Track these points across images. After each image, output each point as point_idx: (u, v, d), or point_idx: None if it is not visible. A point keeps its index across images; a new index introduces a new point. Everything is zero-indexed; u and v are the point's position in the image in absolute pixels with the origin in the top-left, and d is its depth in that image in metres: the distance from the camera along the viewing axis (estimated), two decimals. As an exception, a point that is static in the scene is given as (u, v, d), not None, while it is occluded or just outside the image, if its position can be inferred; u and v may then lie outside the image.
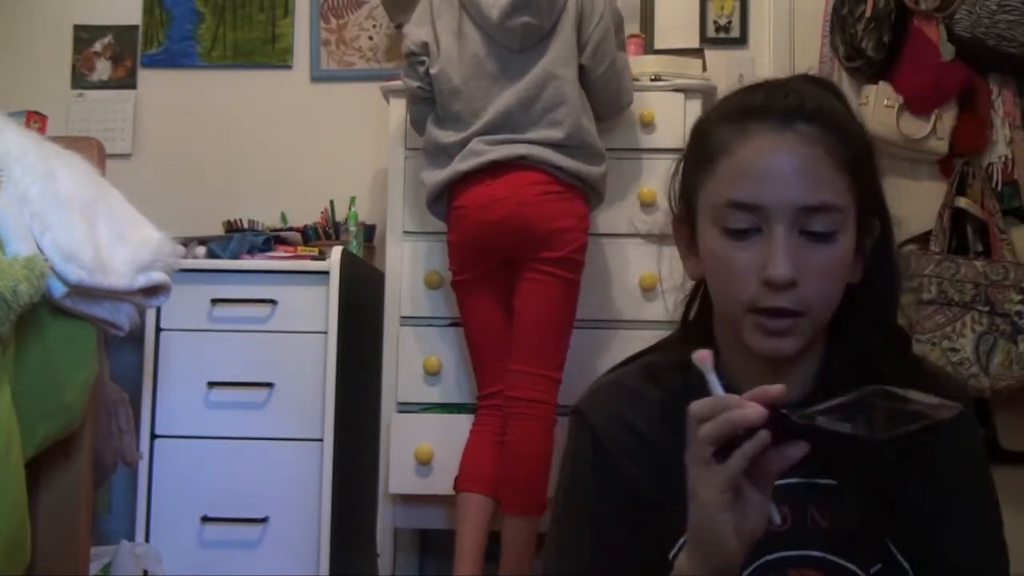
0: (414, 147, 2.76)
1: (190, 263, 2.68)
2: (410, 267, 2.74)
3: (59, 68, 3.44)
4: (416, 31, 2.52)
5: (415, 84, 2.51)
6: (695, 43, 3.19)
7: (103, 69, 3.44)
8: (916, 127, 2.90)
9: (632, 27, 3.12)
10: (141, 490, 2.65)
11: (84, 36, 3.46)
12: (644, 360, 1.12)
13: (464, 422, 2.53)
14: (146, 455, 2.64)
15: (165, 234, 1.39)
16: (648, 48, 3.13)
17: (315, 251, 2.86)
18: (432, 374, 2.68)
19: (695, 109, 2.76)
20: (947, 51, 2.85)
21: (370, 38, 3.37)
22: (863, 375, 0.98)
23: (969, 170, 2.87)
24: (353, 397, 2.77)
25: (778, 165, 0.96)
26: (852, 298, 1.01)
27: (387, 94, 2.86)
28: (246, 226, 3.04)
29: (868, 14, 2.91)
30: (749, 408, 0.84)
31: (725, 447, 0.84)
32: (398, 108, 2.79)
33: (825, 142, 0.96)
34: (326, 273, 2.68)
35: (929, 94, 2.89)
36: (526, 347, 2.39)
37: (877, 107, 2.91)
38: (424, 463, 2.61)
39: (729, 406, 0.85)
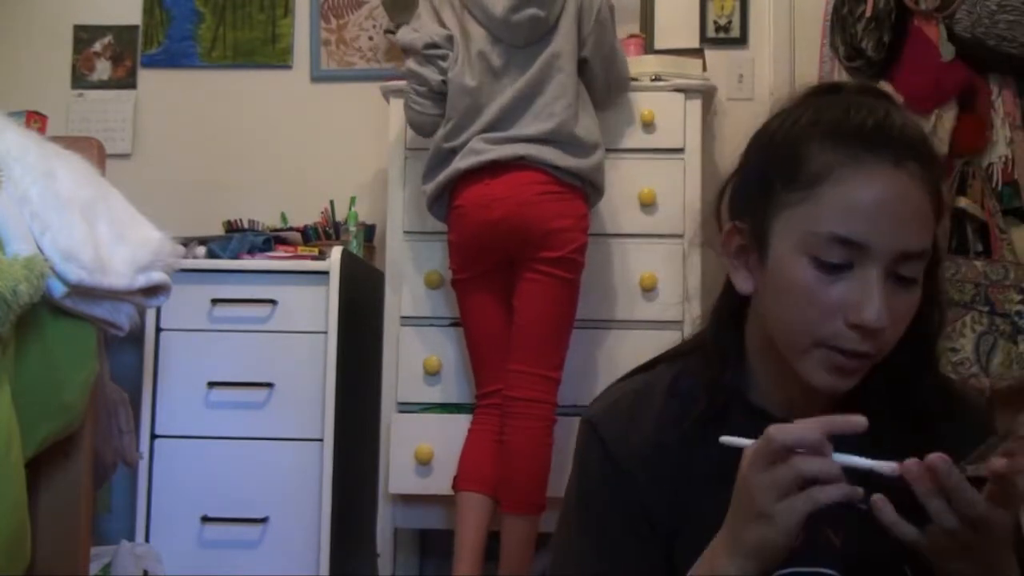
0: (414, 147, 2.76)
1: (190, 263, 2.68)
2: (410, 267, 2.74)
3: (59, 68, 3.44)
4: (430, 25, 2.50)
5: (438, 79, 2.47)
6: (695, 43, 3.19)
7: (103, 69, 3.44)
8: (916, 127, 2.90)
9: (632, 27, 3.13)
10: (141, 490, 2.65)
11: (84, 36, 3.46)
12: (663, 371, 1.08)
13: (464, 422, 2.53)
14: (146, 455, 2.64)
15: (165, 234, 1.39)
16: (648, 48, 3.13)
17: (315, 251, 2.86)
18: (432, 374, 2.68)
19: (695, 109, 2.76)
20: (947, 51, 2.85)
21: (370, 38, 3.37)
22: (896, 397, 0.99)
23: (969, 170, 2.87)
24: (353, 397, 2.77)
25: (892, 208, 0.91)
26: None
27: (387, 94, 2.86)
28: (246, 226, 3.04)
29: (868, 14, 2.91)
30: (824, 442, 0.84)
31: None
32: (398, 108, 2.79)
33: (930, 185, 0.94)
34: (326, 273, 2.68)
35: (929, 94, 2.88)
36: (525, 347, 2.39)
37: (877, 107, 2.91)
38: (424, 463, 2.61)
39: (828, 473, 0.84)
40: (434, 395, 2.69)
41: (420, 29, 2.51)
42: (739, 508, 0.87)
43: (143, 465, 2.63)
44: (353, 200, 3.09)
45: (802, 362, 0.95)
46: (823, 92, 1.02)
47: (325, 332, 2.66)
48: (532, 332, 2.40)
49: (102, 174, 1.42)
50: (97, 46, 3.45)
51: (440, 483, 2.56)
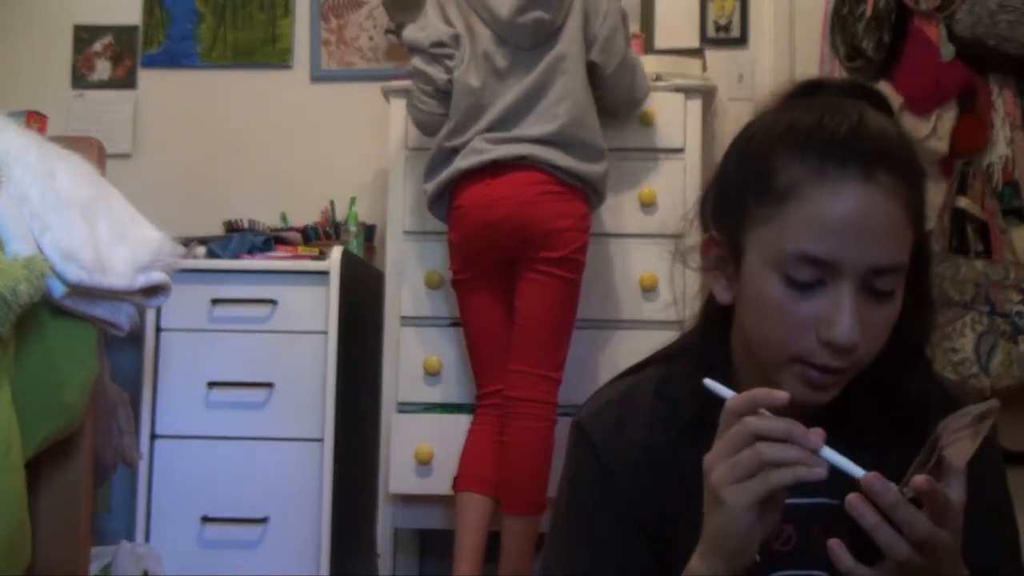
0: (414, 147, 2.76)
1: (190, 263, 2.67)
2: (410, 267, 2.74)
3: (59, 68, 3.44)
4: (437, 24, 2.49)
5: (444, 78, 2.46)
6: (695, 43, 3.20)
7: (103, 69, 3.44)
8: (916, 127, 2.90)
9: (632, 27, 3.12)
10: (141, 490, 2.65)
11: (84, 36, 3.46)
12: (652, 374, 1.08)
13: (464, 422, 2.53)
14: (146, 455, 2.64)
15: (165, 234, 1.38)
16: (648, 48, 3.13)
17: (315, 251, 2.86)
18: (432, 374, 2.68)
19: (695, 109, 2.76)
20: (947, 51, 2.85)
21: (370, 38, 3.37)
22: (884, 398, 0.98)
23: (969, 170, 2.87)
24: (353, 397, 2.77)
25: (862, 225, 0.88)
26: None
27: (387, 94, 2.86)
28: (246, 226, 3.04)
29: (868, 14, 2.91)
30: (813, 434, 0.82)
31: None
32: (398, 108, 2.79)
33: (904, 196, 0.91)
34: (326, 273, 2.68)
35: (929, 94, 2.88)
36: (526, 347, 2.39)
37: (877, 107, 2.91)
38: (424, 463, 2.61)
39: (794, 430, 0.83)
40: (434, 395, 2.69)
41: (426, 27, 2.50)
42: (705, 502, 0.87)
43: (143, 465, 2.63)
44: (353, 200, 3.09)
45: (779, 375, 0.94)
46: (804, 92, 1.00)
47: (325, 332, 2.66)
48: (533, 332, 2.40)
49: (102, 174, 1.41)
50: (97, 46, 3.45)
51: (440, 483, 2.56)
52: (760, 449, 0.82)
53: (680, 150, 2.73)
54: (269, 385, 2.68)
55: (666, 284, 2.64)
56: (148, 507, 2.65)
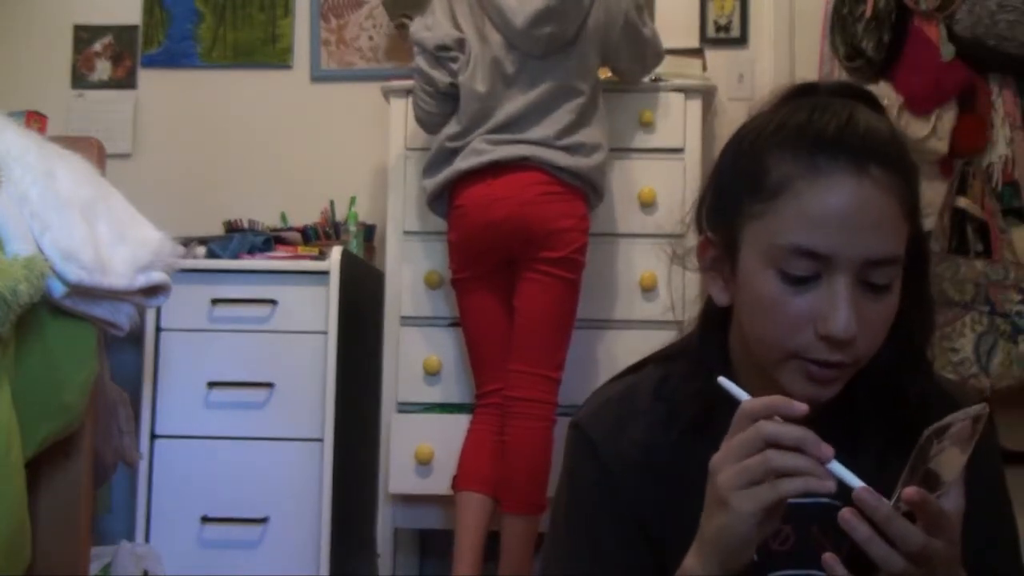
0: (414, 147, 2.76)
1: (190, 263, 2.67)
2: (410, 267, 2.74)
3: (59, 68, 3.44)
4: (444, 24, 2.48)
5: (447, 80, 2.46)
6: (695, 43, 3.19)
7: (103, 69, 3.44)
8: (916, 127, 2.90)
9: (632, 27, 3.12)
10: (141, 490, 2.65)
11: (84, 36, 3.46)
12: (651, 374, 1.07)
13: (464, 422, 2.53)
14: (146, 455, 2.64)
15: (165, 234, 1.39)
16: (648, 48, 3.13)
17: (315, 251, 2.86)
18: (432, 374, 2.68)
19: (695, 109, 2.76)
20: (947, 51, 2.85)
21: (370, 38, 3.36)
22: (885, 400, 0.98)
23: (969, 170, 2.87)
24: (353, 397, 2.77)
25: (854, 216, 0.89)
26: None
27: (387, 94, 2.86)
28: (246, 226, 3.03)
29: (868, 14, 2.91)
30: (825, 447, 0.82)
31: None
32: (398, 108, 2.79)
33: (897, 189, 0.91)
34: (326, 273, 2.68)
35: (929, 94, 2.88)
36: (526, 347, 2.39)
37: (877, 107, 2.91)
38: (424, 463, 2.61)
39: (808, 439, 0.82)
40: (434, 395, 2.69)
41: (433, 27, 2.49)
42: (707, 499, 0.87)
43: (143, 465, 2.63)
44: (353, 200, 3.09)
45: (779, 372, 0.94)
46: (797, 94, 1.00)
47: (325, 332, 2.66)
48: (533, 332, 2.40)
49: (102, 174, 1.42)
50: (97, 46, 3.45)
51: (440, 483, 2.56)
52: (771, 456, 0.82)
53: (680, 150, 2.73)
54: (269, 385, 2.68)
55: (665, 285, 2.64)
56: (148, 507, 2.65)
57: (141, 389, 2.66)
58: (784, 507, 0.84)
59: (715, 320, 1.04)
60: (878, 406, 0.98)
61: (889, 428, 0.97)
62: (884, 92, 2.94)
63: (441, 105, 2.49)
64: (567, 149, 2.38)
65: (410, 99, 2.73)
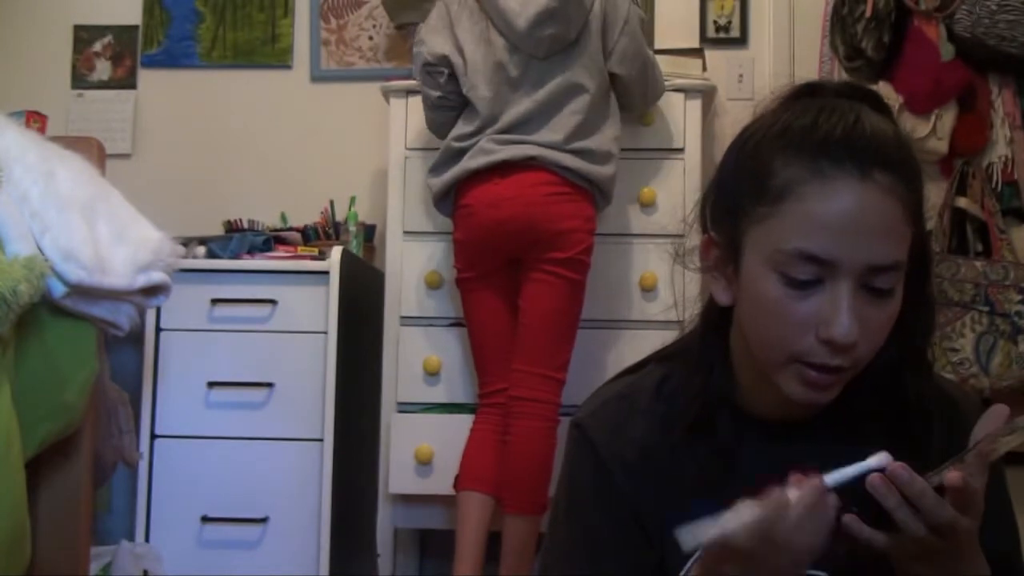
0: (414, 147, 2.76)
1: (190, 263, 2.67)
2: (410, 267, 2.74)
3: (59, 68, 3.44)
4: (433, 40, 2.50)
5: (435, 94, 2.51)
6: (695, 43, 3.19)
7: (103, 69, 3.44)
8: (916, 127, 2.90)
9: (632, 27, 3.13)
10: (141, 490, 2.65)
11: (84, 36, 3.46)
12: (651, 374, 1.08)
13: (464, 422, 2.53)
14: (146, 455, 2.64)
15: (165, 234, 1.39)
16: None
17: (315, 251, 2.86)
18: (432, 374, 2.68)
19: (695, 109, 2.76)
20: (947, 51, 2.85)
21: (370, 38, 3.36)
22: (885, 400, 0.99)
23: (969, 170, 2.87)
24: (353, 397, 2.77)
25: (858, 222, 0.89)
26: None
27: (387, 94, 2.86)
28: (246, 226, 3.04)
29: (868, 14, 2.91)
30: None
31: None
32: (398, 108, 2.80)
33: (901, 194, 0.91)
34: (326, 273, 2.68)
35: (929, 94, 2.88)
36: (530, 347, 2.39)
37: (877, 107, 2.91)
38: (424, 463, 2.61)
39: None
40: (434, 395, 2.69)
41: (423, 41, 2.53)
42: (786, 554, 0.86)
43: (143, 465, 2.63)
44: (353, 200, 3.09)
45: (778, 375, 0.94)
46: (802, 94, 1.00)
47: (325, 332, 2.66)
48: (538, 332, 2.40)
49: (102, 174, 1.42)
50: (97, 46, 3.45)
51: (440, 483, 2.56)
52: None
53: (680, 150, 2.73)
54: (269, 385, 2.68)
55: (666, 285, 2.64)
56: (148, 507, 2.65)
57: (141, 389, 2.66)
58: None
59: (715, 320, 1.04)
60: (878, 406, 0.99)
61: (889, 428, 0.97)
62: (884, 92, 2.94)
63: (437, 114, 2.54)
64: (576, 153, 2.38)
65: (410, 99, 2.77)
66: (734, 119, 3.13)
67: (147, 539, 2.63)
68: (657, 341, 1.13)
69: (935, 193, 2.92)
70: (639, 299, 2.68)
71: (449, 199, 2.49)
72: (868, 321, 0.91)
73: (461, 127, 2.46)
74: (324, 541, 2.60)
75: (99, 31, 3.45)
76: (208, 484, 2.65)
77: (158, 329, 2.70)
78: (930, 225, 2.88)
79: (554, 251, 2.37)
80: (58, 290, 1.22)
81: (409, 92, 2.75)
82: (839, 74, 3.04)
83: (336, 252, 2.70)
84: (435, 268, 2.70)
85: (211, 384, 2.68)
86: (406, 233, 2.76)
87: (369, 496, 2.82)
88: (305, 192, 3.24)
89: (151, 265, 1.33)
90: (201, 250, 2.81)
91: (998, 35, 2.78)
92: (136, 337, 2.67)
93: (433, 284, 2.71)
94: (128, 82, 3.43)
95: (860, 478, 0.84)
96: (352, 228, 3.01)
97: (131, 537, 2.62)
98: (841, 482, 0.84)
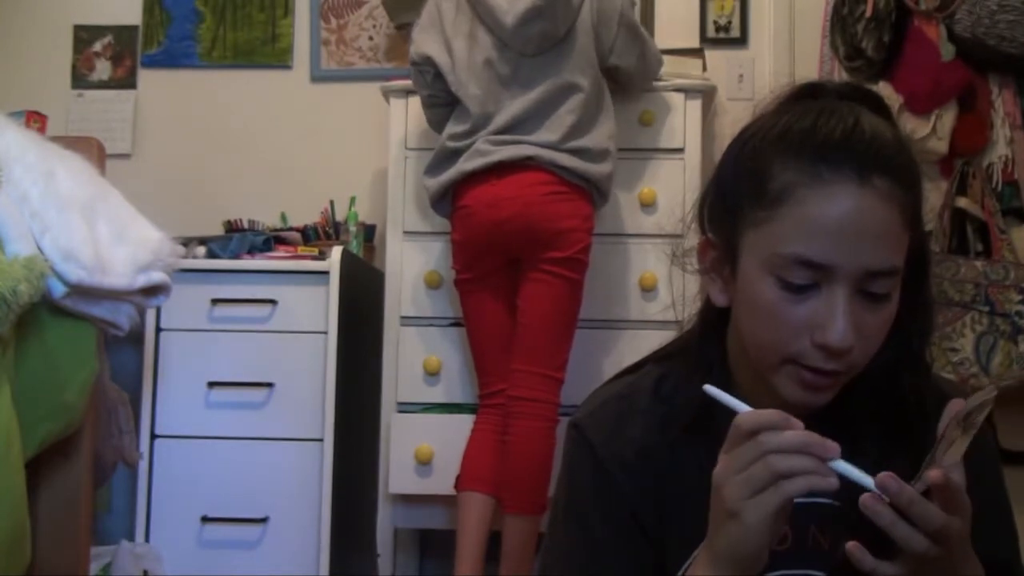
0: (414, 147, 2.77)
1: (190, 263, 2.68)
2: (410, 267, 2.74)
3: (59, 68, 3.44)
4: (421, 39, 2.51)
5: (425, 93, 2.54)
6: (695, 43, 3.19)
7: (103, 69, 3.44)
8: (916, 127, 2.90)
9: (632, 27, 3.13)
10: (141, 490, 2.65)
11: (84, 36, 3.46)
12: (649, 374, 1.08)
13: (464, 422, 2.53)
14: (146, 455, 2.64)
15: (165, 234, 1.39)
16: (648, 48, 3.13)
17: (315, 251, 2.86)
18: (432, 374, 2.68)
19: (695, 109, 2.76)
20: (947, 51, 2.85)
21: (370, 38, 3.36)
22: (883, 401, 0.98)
23: (969, 170, 2.87)
24: (353, 397, 2.77)
25: (857, 227, 0.89)
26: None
27: (387, 94, 2.86)
28: (246, 226, 3.04)
29: (868, 14, 2.91)
30: (831, 445, 0.83)
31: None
32: (398, 108, 2.80)
33: (899, 199, 0.91)
34: (326, 273, 2.68)
35: (929, 94, 2.88)
36: (529, 347, 2.39)
37: (877, 107, 2.91)
38: (424, 463, 2.61)
39: (810, 443, 0.83)
40: (434, 395, 2.69)
41: (416, 38, 2.54)
42: (714, 512, 0.87)
43: (143, 465, 2.63)
44: (353, 200, 3.09)
45: (774, 377, 0.94)
46: (802, 96, 0.99)
47: (325, 332, 2.66)
48: (537, 332, 2.40)
49: (102, 174, 1.42)
50: (97, 46, 3.45)
51: (440, 483, 2.56)
52: (772, 462, 0.82)
53: (680, 150, 2.73)
54: (269, 385, 2.68)
55: (665, 285, 2.64)
56: (148, 507, 2.65)
57: (141, 389, 2.66)
58: (790, 509, 0.85)
59: (713, 320, 1.04)
60: (876, 407, 0.99)
61: (887, 429, 0.97)
62: (884, 92, 2.94)
63: (430, 112, 2.58)
64: (573, 152, 2.38)
65: (410, 99, 2.78)
66: (734, 119, 3.11)
67: (147, 539, 2.63)
68: (656, 341, 1.13)
69: (935, 193, 2.92)
70: (638, 299, 2.68)
71: (446, 200, 2.49)
72: (864, 326, 0.91)
73: (453, 126, 2.46)
74: (324, 541, 2.60)
75: (99, 31, 3.45)
76: (208, 484, 2.65)
77: (158, 329, 2.70)
78: (930, 225, 2.88)
79: (553, 250, 2.37)
80: (58, 290, 1.22)
81: (409, 92, 2.76)
82: (839, 74, 3.04)
83: (336, 252, 2.70)
84: (435, 268, 2.70)
85: (211, 384, 2.68)
86: (406, 233, 2.76)
87: (369, 496, 2.82)
88: (305, 192, 3.24)
89: (151, 265, 1.33)
90: (201, 250, 2.81)
91: (998, 35, 2.78)
92: (136, 337, 2.67)
93: (433, 284, 2.71)
94: (128, 82, 3.43)
95: (857, 486, 0.83)
96: (352, 228, 3.01)
97: (131, 537, 2.62)
98: (845, 473, 0.83)
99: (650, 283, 2.66)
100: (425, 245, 2.74)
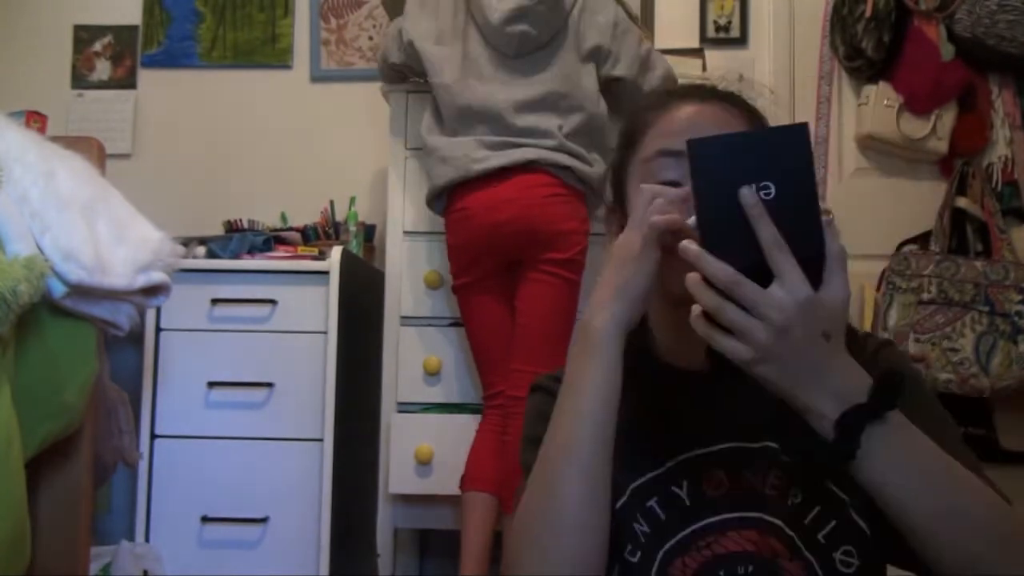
0: (414, 147, 2.77)
1: (190, 263, 2.68)
2: (410, 267, 2.74)
3: (59, 68, 3.44)
4: (414, 17, 2.53)
5: (393, 59, 2.60)
6: (695, 43, 3.20)
7: (103, 69, 3.44)
8: (916, 127, 2.91)
9: (632, 27, 3.13)
10: (141, 490, 2.65)
11: (84, 36, 3.46)
12: None
13: (464, 422, 2.53)
14: (146, 455, 2.64)
15: (165, 234, 1.39)
16: (648, 48, 3.13)
17: (315, 251, 2.86)
18: (432, 374, 2.68)
19: (695, 109, 2.76)
20: (947, 51, 2.85)
21: (370, 38, 3.37)
22: None
23: (969, 170, 2.87)
24: (353, 397, 2.77)
25: (703, 121, 1.04)
26: None
27: (387, 94, 2.86)
28: (246, 226, 3.04)
29: (868, 14, 2.91)
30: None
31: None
32: (398, 108, 2.80)
33: (743, 115, 1.07)
34: (326, 273, 2.68)
35: (929, 94, 2.89)
36: (528, 347, 2.39)
37: (877, 107, 2.92)
38: (424, 463, 2.61)
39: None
40: (434, 395, 2.69)
41: (410, 12, 2.57)
42: (613, 263, 1.05)
43: (143, 465, 2.63)
44: (353, 200, 3.09)
45: (685, 324, 0.95)
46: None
47: (325, 332, 2.66)
48: (536, 332, 2.40)
49: (102, 174, 1.42)
50: (97, 46, 3.45)
51: (440, 483, 2.56)
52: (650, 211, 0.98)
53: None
54: (269, 385, 2.68)
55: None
56: (148, 507, 2.65)
57: (141, 389, 2.66)
58: (656, 255, 0.98)
59: None
60: None
61: None
62: (884, 92, 2.94)
63: (388, 72, 2.68)
64: (571, 154, 2.39)
65: (410, 99, 2.77)
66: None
67: (147, 539, 2.63)
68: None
69: (935, 193, 2.93)
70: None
71: (441, 200, 2.49)
72: None
73: (443, 130, 2.47)
74: (324, 541, 2.60)
75: (99, 31, 3.45)
76: (208, 484, 2.65)
77: (158, 329, 2.70)
78: (930, 225, 2.88)
79: (552, 251, 2.37)
80: (58, 290, 1.22)
81: (409, 92, 2.76)
82: (839, 74, 3.05)
83: (336, 252, 2.70)
84: (435, 268, 2.70)
85: (211, 384, 2.68)
86: (406, 233, 2.76)
87: (369, 496, 2.82)
88: (305, 192, 3.24)
89: (151, 265, 1.33)
90: (201, 250, 2.81)
91: (998, 35, 2.79)
92: (136, 337, 2.67)
93: (433, 284, 2.71)
94: (128, 82, 3.43)
95: (777, 424, 0.88)
96: (352, 228, 3.01)
97: (131, 537, 2.62)
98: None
99: (650, 283, 2.66)
100: (425, 245, 2.74)
